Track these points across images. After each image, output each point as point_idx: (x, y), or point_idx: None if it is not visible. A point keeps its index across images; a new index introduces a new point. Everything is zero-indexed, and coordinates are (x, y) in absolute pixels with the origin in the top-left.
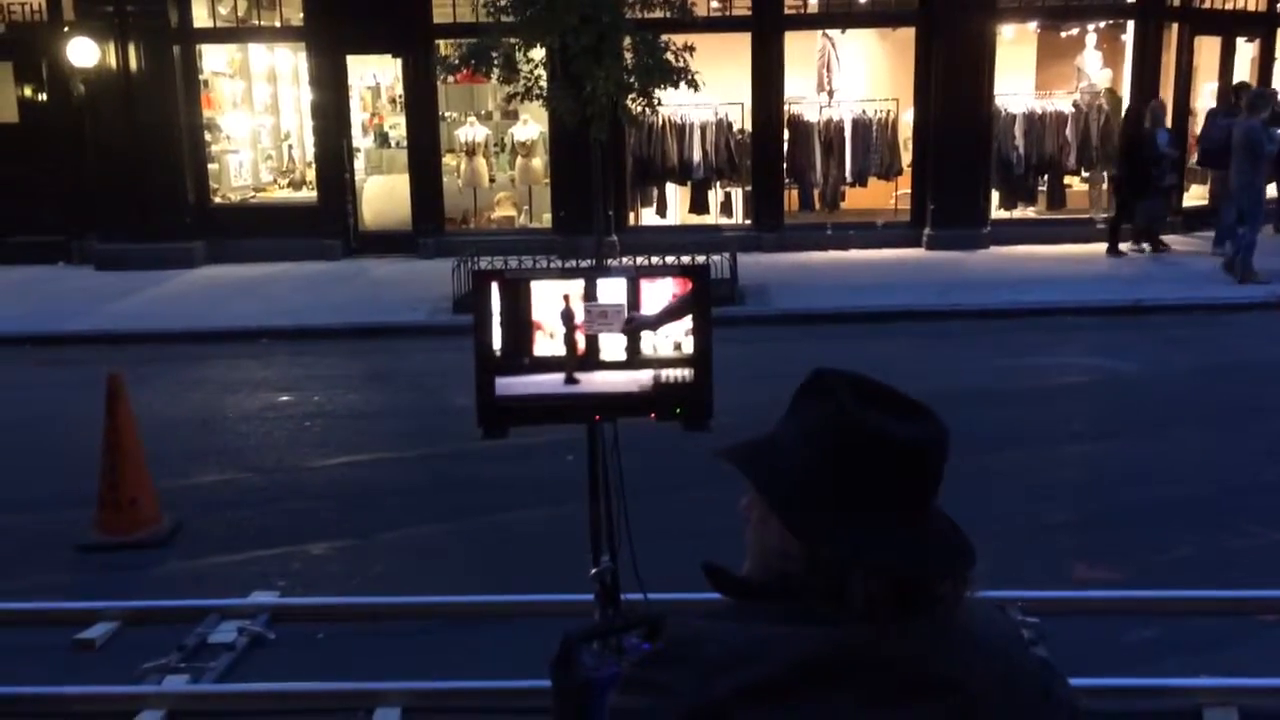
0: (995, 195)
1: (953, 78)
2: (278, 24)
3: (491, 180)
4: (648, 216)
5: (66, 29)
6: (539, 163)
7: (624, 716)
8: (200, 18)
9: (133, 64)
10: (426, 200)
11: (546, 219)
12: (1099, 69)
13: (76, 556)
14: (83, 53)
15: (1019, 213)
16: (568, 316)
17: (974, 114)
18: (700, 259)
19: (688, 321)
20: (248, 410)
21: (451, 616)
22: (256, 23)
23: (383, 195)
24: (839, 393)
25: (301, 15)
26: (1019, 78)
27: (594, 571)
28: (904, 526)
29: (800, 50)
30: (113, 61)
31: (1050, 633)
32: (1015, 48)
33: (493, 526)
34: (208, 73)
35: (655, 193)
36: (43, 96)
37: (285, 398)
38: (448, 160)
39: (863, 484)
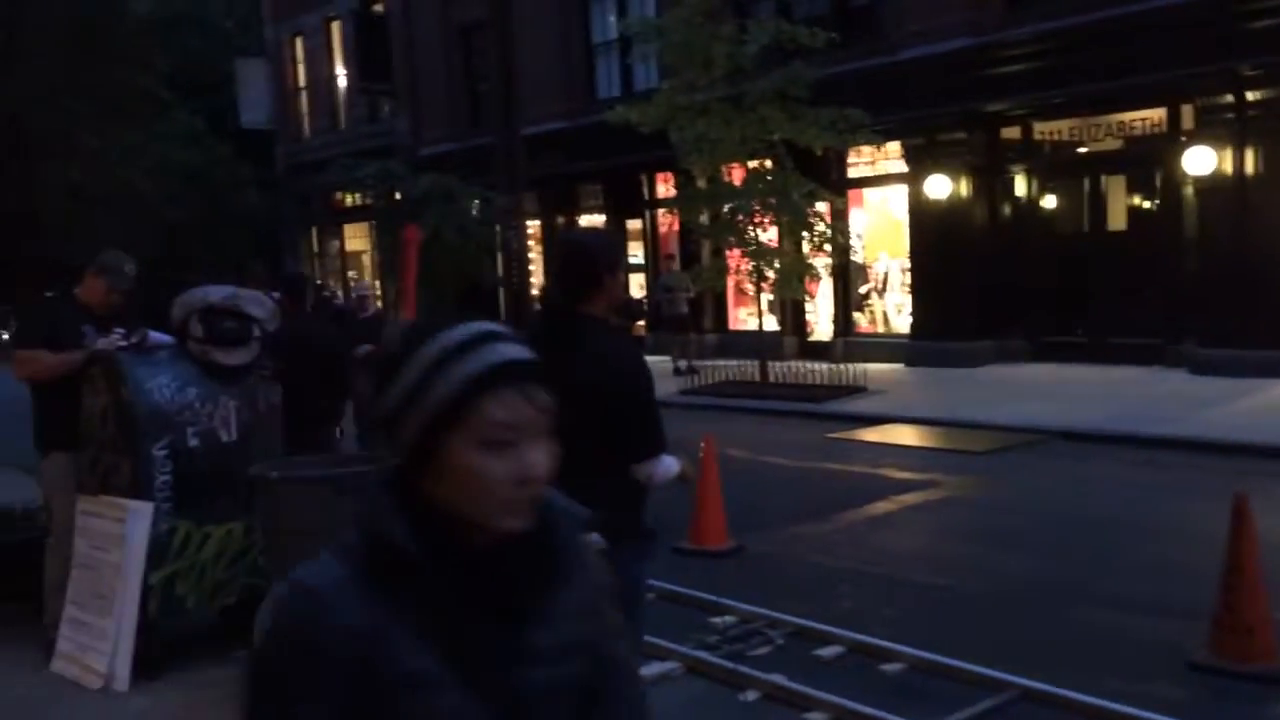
0: None
1: None
2: None
3: None
4: None
5: (1184, 138)
6: None
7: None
8: None
9: (1249, 168)
10: None
11: None
12: None
13: (1186, 673)
14: (1200, 161)
15: None
16: None
17: None
18: None
19: None
20: None
21: None
22: None
23: None
24: None
25: None
26: None
27: None
28: None
29: None
30: (1228, 167)
31: None
32: None
33: None
34: None
35: None
36: (1151, 204)
37: None
38: None
39: None
